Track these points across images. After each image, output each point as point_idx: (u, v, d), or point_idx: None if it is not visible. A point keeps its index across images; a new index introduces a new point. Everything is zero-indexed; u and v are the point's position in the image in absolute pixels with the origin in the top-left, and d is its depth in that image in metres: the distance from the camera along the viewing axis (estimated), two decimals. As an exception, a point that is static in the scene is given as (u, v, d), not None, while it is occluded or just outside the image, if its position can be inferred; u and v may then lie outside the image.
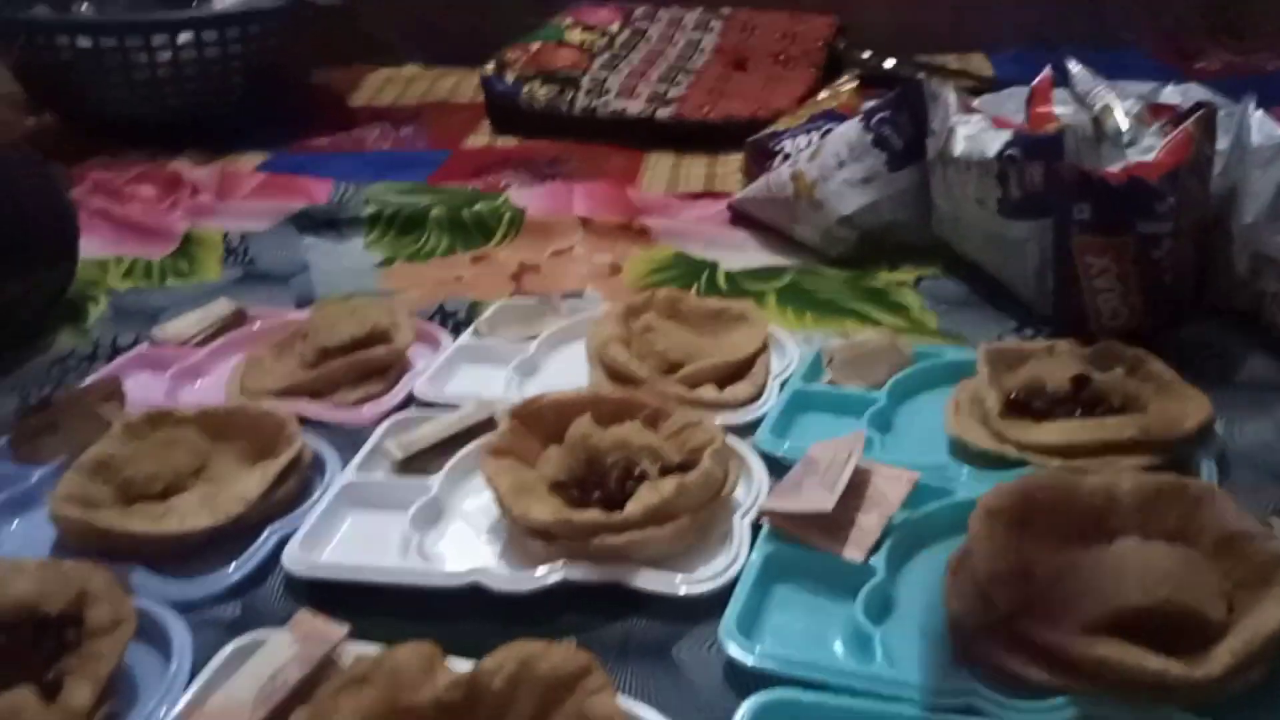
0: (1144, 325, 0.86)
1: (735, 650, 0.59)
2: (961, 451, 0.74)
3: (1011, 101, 1.10)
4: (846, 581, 0.63)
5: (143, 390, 0.92)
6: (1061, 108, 1.01)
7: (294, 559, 0.69)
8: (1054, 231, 0.88)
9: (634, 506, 0.66)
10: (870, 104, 1.14)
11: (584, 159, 1.47)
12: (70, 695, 0.57)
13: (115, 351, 1.01)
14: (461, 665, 0.56)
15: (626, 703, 0.55)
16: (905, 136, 1.06)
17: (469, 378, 0.92)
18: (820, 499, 0.64)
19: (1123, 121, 0.93)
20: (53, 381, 0.98)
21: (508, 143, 1.59)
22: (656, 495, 0.66)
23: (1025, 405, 0.75)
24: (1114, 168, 0.88)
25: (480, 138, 1.62)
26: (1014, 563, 0.59)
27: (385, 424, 0.83)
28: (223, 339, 1.00)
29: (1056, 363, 0.78)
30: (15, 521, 0.77)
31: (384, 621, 0.64)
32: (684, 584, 0.64)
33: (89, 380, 0.93)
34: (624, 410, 0.76)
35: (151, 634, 0.64)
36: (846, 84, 1.38)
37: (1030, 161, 0.91)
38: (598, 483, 0.70)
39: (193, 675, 0.60)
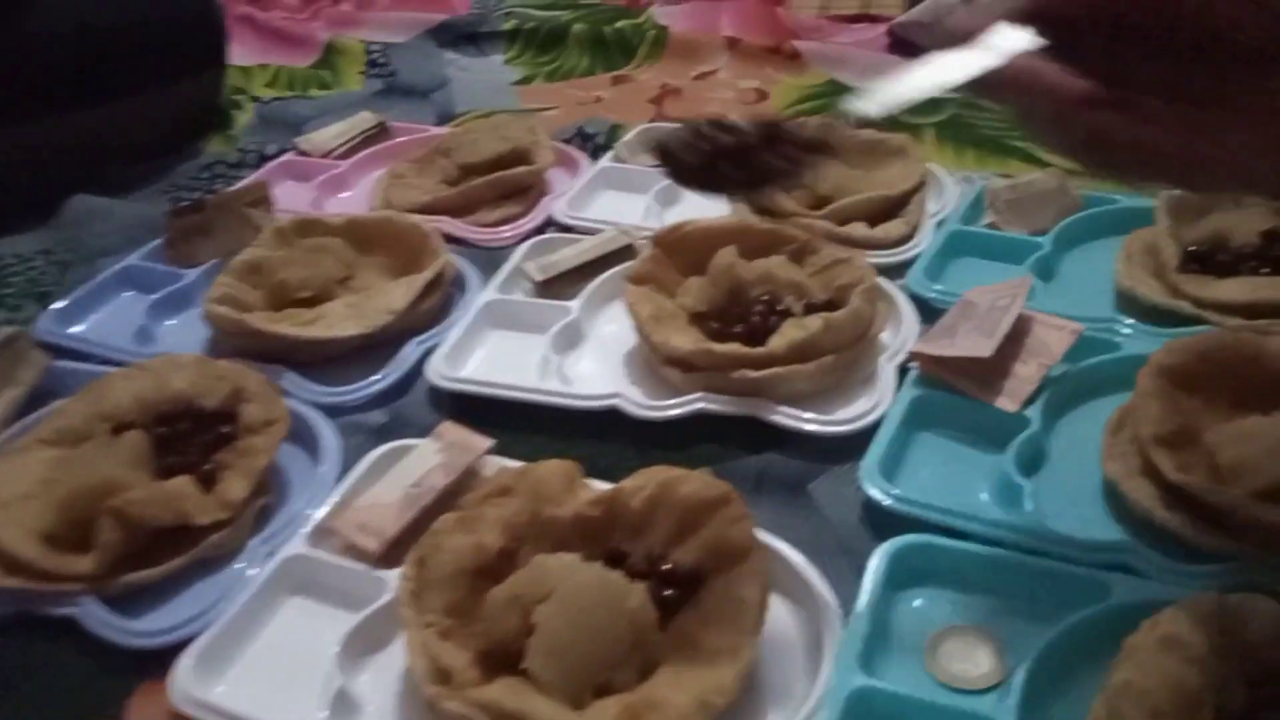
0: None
1: (875, 491, 0.57)
2: (1130, 305, 0.69)
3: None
4: (997, 432, 0.60)
5: (289, 198, 0.93)
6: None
7: (438, 372, 0.69)
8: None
9: (778, 341, 0.64)
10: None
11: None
12: (227, 487, 0.60)
13: (262, 160, 1.02)
14: (598, 486, 0.57)
15: (762, 535, 0.54)
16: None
17: (608, 203, 0.90)
18: (978, 344, 0.61)
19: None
20: (202, 186, 1.00)
21: (651, -43, 1.51)
22: (802, 331, 0.64)
23: (1207, 259, 0.69)
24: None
25: (622, -48, 1.54)
26: (1182, 424, 0.56)
27: (525, 245, 0.82)
28: (366, 151, 1.00)
29: (1244, 216, 0.71)
30: (171, 320, 0.80)
31: (523, 438, 0.65)
32: (824, 423, 0.63)
33: (238, 186, 0.94)
34: (770, 243, 0.73)
35: (302, 435, 0.66)
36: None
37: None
38: (740, 316, 0.68)
39: (341, 477, 0.62)
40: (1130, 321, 0.67)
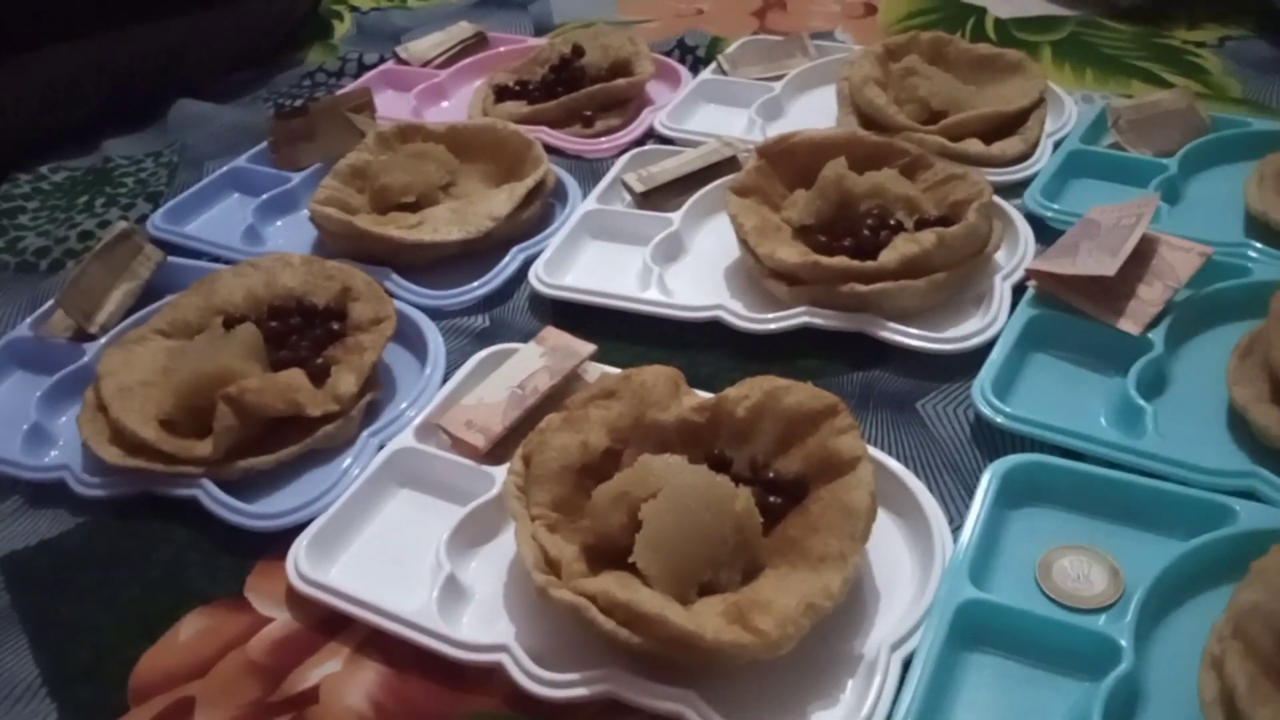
0: None
1: (987, 409, 0.56)
2: (1260, 231, 0.66)
3: None
4: (1117, 355, 0.58)
5: (388, 107, 0.93)
6: None
7: (540, 278, 0.69)
8: None
9: (889, 255, 0.62)
10: None
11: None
12: (337, 381, 0.61)
13: (361, 68, 1.02)
14: (700, 395, 0.56)
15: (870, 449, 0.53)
16: None
17: (709, 116, 0.89)
18: (1100, 263, 0.59)
19: None
20: (303, 94, 1.00)
21: None
22: (914, 246, 0.62)
23: (1349, 184, 0.65)
24: None
25: None
26: (1320, 351, 0.53)
27: (625, 157, 0.82)
28: (464, 61, 0.99)
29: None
30: (277, 222, 0.81)
31: (622, 347, 0.65)
32: (935, 340, 0.61)
33: (340, 93, 0.94)
34: (881, 156, 0.71)
35: (407, 336, 0.67)
36: None
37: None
38: (849, 229, 0.66)
39: (445, 377, 0.63)
40: (1261, 246, 0.64)
